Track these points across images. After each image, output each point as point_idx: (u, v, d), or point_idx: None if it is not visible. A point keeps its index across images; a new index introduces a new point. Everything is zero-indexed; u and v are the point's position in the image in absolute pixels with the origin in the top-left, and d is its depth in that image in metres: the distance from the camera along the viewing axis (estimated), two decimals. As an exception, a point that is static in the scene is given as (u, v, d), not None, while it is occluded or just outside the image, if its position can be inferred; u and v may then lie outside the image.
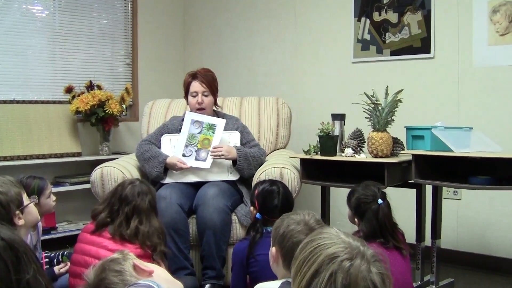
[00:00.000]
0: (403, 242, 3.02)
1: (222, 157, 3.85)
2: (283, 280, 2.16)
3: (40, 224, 3.53)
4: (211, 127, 3.93)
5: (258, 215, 3.15)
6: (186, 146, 3.91)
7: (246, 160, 3.89)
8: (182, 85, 4.19)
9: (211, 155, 3.87)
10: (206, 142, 3.91)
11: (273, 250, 2.24)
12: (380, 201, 2.94)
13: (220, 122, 3.97)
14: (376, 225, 2.90)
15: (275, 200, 3.16)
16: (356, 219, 3.00)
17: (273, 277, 2.33)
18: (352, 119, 3.90)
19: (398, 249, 2.92)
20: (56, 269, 3.24)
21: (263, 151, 4.13)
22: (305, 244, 1.48)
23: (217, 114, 4.22)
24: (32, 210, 2.90)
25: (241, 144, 4.01)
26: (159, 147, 4.05)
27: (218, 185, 3.72)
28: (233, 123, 4.13)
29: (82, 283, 2.86)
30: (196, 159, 3.91)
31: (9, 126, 4.67)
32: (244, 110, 4.62)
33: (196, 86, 4.08)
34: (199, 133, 3.93)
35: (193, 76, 4.11)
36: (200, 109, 4.06)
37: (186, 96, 4.15)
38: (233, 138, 4.03)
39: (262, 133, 4.51)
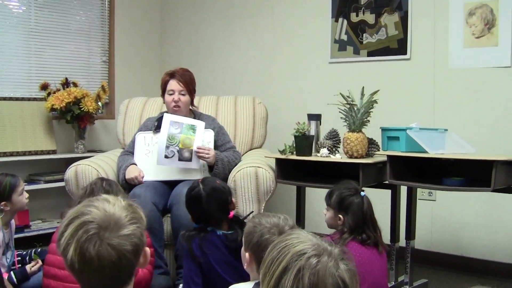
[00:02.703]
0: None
1: (206, 159, 3.84)
2: (256, 281, 2.15)
3: (13, 222, 3.51)
4: (191, 128, 3.87)
5: (195, 225, 3.12)
6: (167, 147, 3.81)
7: (222, 165, 3.88)
8: (160, 84, 4.16)
9: (196, 153, 3.81)
10: (187, 141, 3.82)
11: (246, 255, 2.22)
12: (363, 193, 2.96)
13: (199, 124, 3.93)
14: (361, 217, 2.90)
15: (201, 206, 3.07)
16: (340, 216, 2.96)
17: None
18: (328, 120, 3.91)
19: (377, 246, 2.92)
20: (28, 267, 3.21)
21: (238, 154, 4.13)
22: (274, 246, 1.48)
23: (193, 113, 4.20)
24: None
25: (216, 146, 3.99)
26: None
27: (193, 184, 3.72)
28: (209, 123, 4.10)
29: (56, 284, 2.86)
30: (180, 159, 3.83)
31: (-18, 123, 4.63)
32: (221, 109, 4.61)
33: (173, 84, 4.05)
34: (179, 133, 3.84)
35: (171, 75, 4.09)
36: (176, 107, 4.03)
37: (163, 95, 4.13)
38: (207, 137, 4.00)
39: (238, 132, 4.50)
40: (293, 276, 1.35)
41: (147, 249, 1.63)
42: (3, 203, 3.32)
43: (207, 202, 3.05)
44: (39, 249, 3.48)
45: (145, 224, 1.64)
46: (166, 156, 3.82)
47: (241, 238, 3.00)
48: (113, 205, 1.59)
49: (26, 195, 3.46)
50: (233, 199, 3.22)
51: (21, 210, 3.63)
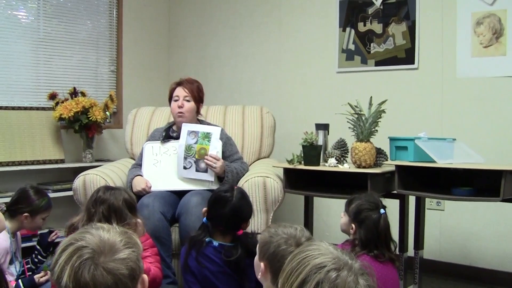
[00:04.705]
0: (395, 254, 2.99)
1: (213, 168, 3.85)
2: None
3: (18, 233, 3.52)
4: (207, 136, 3.91)
5: (204, 220, 3.12)
6: (185, 158, 3.91)
7: (232, 177, 3.89)
8: (167, 94, 4.19)
9: (204, 161, 3.85)
10: (202, 152, 3.88)
11: (262, 265, 2.17)
12: (382, 210, 2.89)
13: (215, 131, 3.96)
14: (375, 234, 2.84)
15: (223, 208, 3.06)
16: (353, 226, 2.92)
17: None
18: (336, 129, 3.91)
19: (392, 260, 2.89)
20: (36, 277, 3.22)
21: (246, 165, 4.14)
22: (294, 256, 1.48)
23: (201, 123, 4.21)
24: None
25: (224, 156, 3.99)
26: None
27: (201, 194, 3.71)
28: (217, 134, 4.12)
29: None
30: (197, 170, 3.89)
31: (-9, 132, 4.64)
32: (228, 119, 4.61)
33: (178, 90, 4.09)
34: (195, 143, 3.91)
35: (178, 83, 4.14)
36: (180, 113, 4.06)
37: (170, 103, 4.15)
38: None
39: (246, 142, 4.50)
40: None
41: (145, 276, 1.60)
42: (27, 214, 3.37)
43: (230, 209, 3.05)
44: (49, 262, 3.49)
45: (141, 250, 1.62)
46: (184, 167, 3.91)
47: (239, 255, 3.00)
48: (107, 231, 1.58)
49: (43, 223, 3.54)
50: (248, 223, 3.20)
51: (31, 230, 3.68)
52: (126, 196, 3.02)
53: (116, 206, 2.95)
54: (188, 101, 4.07)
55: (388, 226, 2.90)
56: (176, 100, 4.08)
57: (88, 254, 1.48)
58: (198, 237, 3.09)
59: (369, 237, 2.85)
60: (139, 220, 3.03)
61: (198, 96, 4.14)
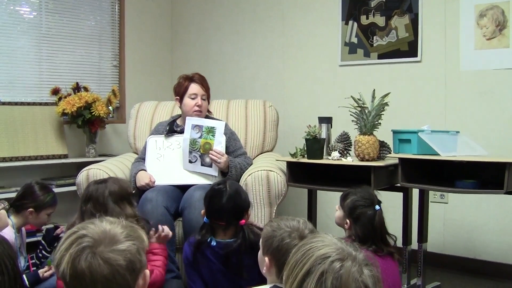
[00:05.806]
0: (394, 247, 2.99)
1: (217, 164, 3.86)
2: (272, 284, 2.13)
3: (23, 228, 3.53)
4: (211, 130, 3.91)
5: (205, 219, 3.11)
6: (190, 152, 3.93)
7: (236, 172, 3.90)
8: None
9: (209, 156, 3.87)
10: (207, 146, 3.89)
11: (266, 260, 2.17)
12: (377, 207, 2.90)
13: (219, 125, 3.96)
14: (371, 230, 2.84)
15: (220, 200, 3.04)
16: (348, 221, 2.92)
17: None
18: (339, 122, 3.90)
19: (391, 254, 2.89)
20: (40, 272, 3.23)
21: (249, 160, 4.13)
22: (298, 248, 1.48)
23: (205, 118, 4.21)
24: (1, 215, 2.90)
25: (227, 151, 3.99)
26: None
27: (204, 188, 3.68)
28: (221, 128, 4.12)
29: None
30: (202, 164, 3.92)
31: (-6, 128, 4.64)
32: (231, 113, 4.61)
33: (195, 88, 4.08)
34: (200, 137, 3.92)
35: (191, 79, 4.12)
36: (198, 112, 4.06)
37: (181, 98, 4.12)
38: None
39: (249, 136, 4.50)
40: (316, 279, 1.35)
41: (147, 272, 1.61)
42: (31, 209, 3.38)
43: (227, 200, 3.04)
44: (52, 257, 3.50)
45: (145, 244, 1.63)
46: (190, 161, 3.94)
47: (237, 245, 3.00)
48: (111, 223, 1.60)
49: (48, 219, 3.54)
50: (249, 213, 3.20)
51: (36, 226, 3.68)
52: (113, 188, 2.91)
53: (101, 201, 2.87)
54: (204, 100, 4.10)
55: (383, 222, 2.91)
56: (193, 98, 4.07)
57: (87, 243, 1.51)
58: (202, 238, 3.08)
59: (366, 233, 2.85)
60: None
61: (209, 94, 4.19)
